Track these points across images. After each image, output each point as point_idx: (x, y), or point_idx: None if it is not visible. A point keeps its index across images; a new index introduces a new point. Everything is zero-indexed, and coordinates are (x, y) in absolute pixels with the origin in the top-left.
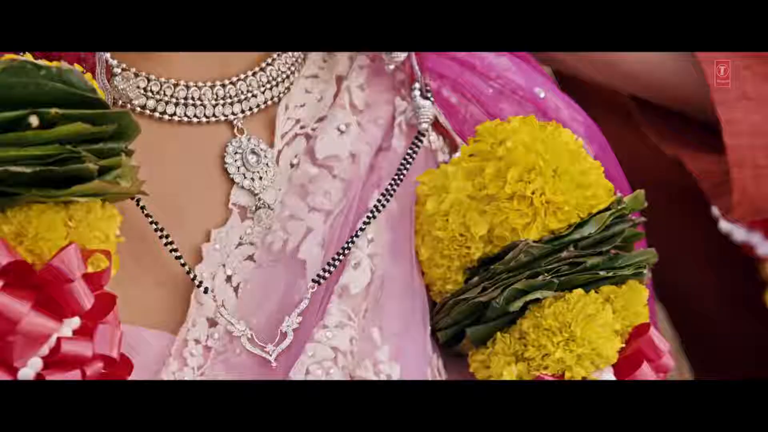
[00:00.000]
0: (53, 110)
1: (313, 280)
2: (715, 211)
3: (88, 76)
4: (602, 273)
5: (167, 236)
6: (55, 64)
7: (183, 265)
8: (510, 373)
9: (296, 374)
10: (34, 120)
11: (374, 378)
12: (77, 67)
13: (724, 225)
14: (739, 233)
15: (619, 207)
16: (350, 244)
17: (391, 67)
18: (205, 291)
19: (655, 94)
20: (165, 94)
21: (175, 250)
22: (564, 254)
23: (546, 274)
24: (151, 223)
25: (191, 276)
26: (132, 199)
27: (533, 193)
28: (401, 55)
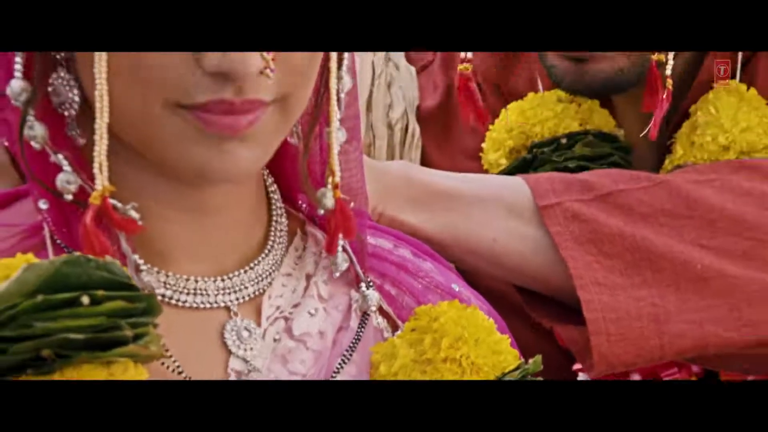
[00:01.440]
0: (100, 292)
1: None
2: None
3: (124, 267)
4: None
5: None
6: (100, 258)
7: None
8: None
9: None
10: (85, 299)
11: None
12: (116, 261)
13: None
14: None
15: (524, 368)
16: None
17: (337, 274)
18: None
19: (532, 283)
20: (179, 286)
21: None
22: None
23: None
24: (179, 373)
25: None
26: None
27: (461, 356)
28: (344, 264)
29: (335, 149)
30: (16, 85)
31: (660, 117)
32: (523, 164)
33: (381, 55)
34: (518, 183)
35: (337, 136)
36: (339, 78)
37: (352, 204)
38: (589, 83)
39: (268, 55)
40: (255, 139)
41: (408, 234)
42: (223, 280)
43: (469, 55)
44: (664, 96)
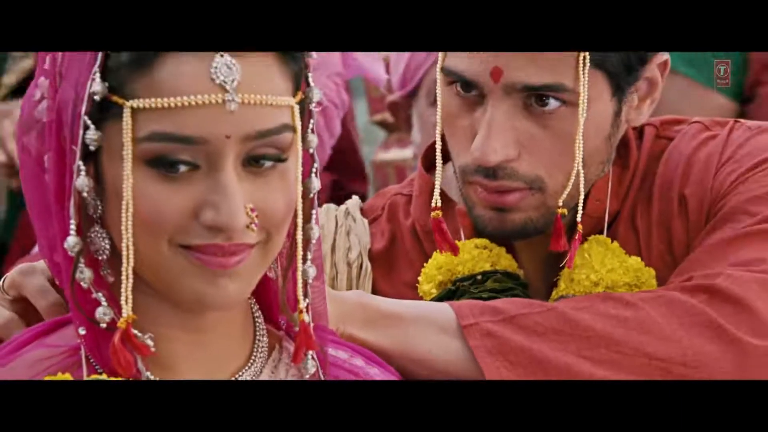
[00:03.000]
0: None
1: None
2: None
3: None
4: None
5: None
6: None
7: None
8: None
9: None
10: None
11: None
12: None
13: None
14: None
15: None
16: None
17: (307, 376)
18: None
19: None
20: None
21: None
22: None
23: None
24: None
25: None
26: None
27: None
28: (312, 369)
29: (300, 283)
30: (72, 240)
31: (574, 253)
32: (448, 294)
33: (342, 210)
34: (446, 307)
35: (308, 271)
36: (310, 228)
37: (312, 325)
38: (508, 229)
39: (253, 213)
40: (240, 275)
41: (362, 347)
42: None
43: (439, 203)
44: (576, 237)
